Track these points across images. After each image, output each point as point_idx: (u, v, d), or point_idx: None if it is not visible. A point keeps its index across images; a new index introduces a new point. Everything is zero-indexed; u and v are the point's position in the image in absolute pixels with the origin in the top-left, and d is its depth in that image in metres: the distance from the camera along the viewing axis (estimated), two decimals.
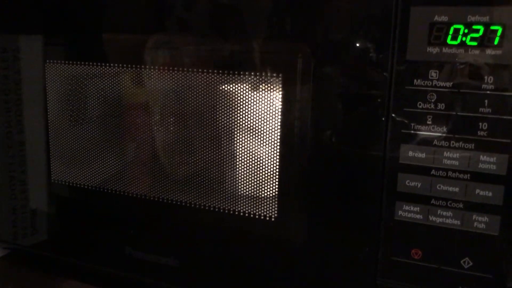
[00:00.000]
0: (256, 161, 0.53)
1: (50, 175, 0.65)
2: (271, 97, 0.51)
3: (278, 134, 0.51)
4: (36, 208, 0.70)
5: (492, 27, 0.40)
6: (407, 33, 0.43)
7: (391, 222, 0.46)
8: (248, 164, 0.53)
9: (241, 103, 0.52)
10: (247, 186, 0.54)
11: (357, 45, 0.45)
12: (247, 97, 0.52)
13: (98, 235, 0.64)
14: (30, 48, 0.65)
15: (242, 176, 0.54)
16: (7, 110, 0.68)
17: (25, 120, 0.68)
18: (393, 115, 0.45)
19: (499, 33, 0.40)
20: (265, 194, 0.53)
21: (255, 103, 0.52)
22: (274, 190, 0.52)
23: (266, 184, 0.53)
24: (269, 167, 0.52)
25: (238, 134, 0.53)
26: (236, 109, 0.53)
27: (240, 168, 0.54)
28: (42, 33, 0.63)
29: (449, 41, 0.42)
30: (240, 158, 0.54)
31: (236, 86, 0.52)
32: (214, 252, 0.56)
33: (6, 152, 0.69)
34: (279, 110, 0.50)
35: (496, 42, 0.40)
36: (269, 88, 0.50)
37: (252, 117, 0.52)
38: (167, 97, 0.56)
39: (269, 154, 0.52)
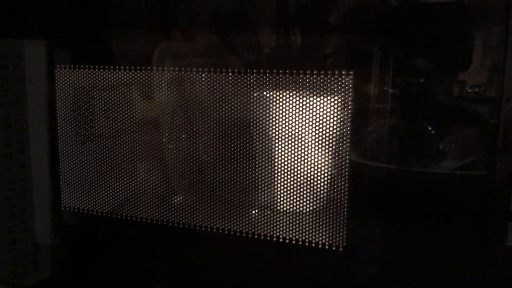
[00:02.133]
0: (320, 180, 0.44)
1: (59, 201, 0.55)
2: (338, 101, 0.42)
3: (347, 146, 0.42)
4: (40, 242, 0.60)
5: None
6: None
7: (500, 249, 0.37)
8: (309, 184, 0.44)
9: (302, 110, 0.43)
10: (306, 210, 0.44)
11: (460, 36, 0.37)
12: (307, 102, 0.43)
13: (119, 272, 0.53)
14: (35, 52, 0.55)
15: (300, 198, 0.45)
16: (7, 126, 0.58)
17: (29, 138, 0.58)
18: (505, 118, 0.36)
19: None
20: (330, 220, 0.43)
21: (318, 109, 0.43)
22: (342, 215, 0.43)
23: (331, 208, 0.43)
24: (336, 187, 0.43)
25: (294, 148, 0.44)
26: (294, 118, 0.44)
27: (299, 189, 0.44)
28: (49, 35, 0.54)
29: None
30: (299, 177, 0.44)
31: (293, 89, 0.43)
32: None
33: (5, 175, 0.59)
34: (349, 117, 0.42)
35: None
36: (334, 90, 0.42)
37: (313, 127, 0.43)
38: (207, 104, 0.47)
39: (335, 172, 0.43)
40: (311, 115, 0.43)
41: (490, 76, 0.37)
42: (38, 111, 0.57)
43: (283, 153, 0.44)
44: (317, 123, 0.43)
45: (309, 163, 0.44)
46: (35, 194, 0.59)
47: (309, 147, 0.43)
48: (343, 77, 0.41)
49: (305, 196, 0.44)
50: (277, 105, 0.44)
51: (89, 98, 0.53)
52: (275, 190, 0.45)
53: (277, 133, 0.44)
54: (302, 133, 0.44)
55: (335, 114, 0.42)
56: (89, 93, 0.52)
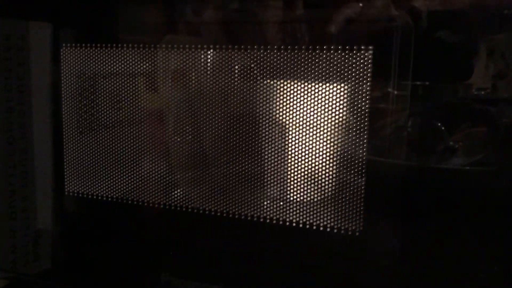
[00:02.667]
0: (336, 164, 0.42)
1: (63, 187, 0.53)
2: (355, 80, 0.40)
3: (365, 129, 0.40)
4: (41, 229, 0.58)
5: None
6: None
7: None
8: (325, 168, 0.42)
9: (316, 90, 0.42)
10: (321, 194, 0.43)
11: None
12: (323, 81, 0.41)
13: (124, 260, 0.51)
14: (40, 33, 0.54)
15: (316, 182, 0.43)
16: (9, 110, 0.57)
17: (32, 122, 0.56)
18: None
19: None
20: (347, 205, 0.42)
21: (333, 89, 0.41)
22: (359, 200, 0.41)
23: (348, 193, 0.42)
24: (353, 173, 0.41)
25: (308, 131, 0.42)
26: (310, 98, 0.42)
27: (314, 172, 0.43)
28: (55, 14, 0.52)
29: None
30: (315, 160, 0.43)
31: (308, 67, 0.42)
32: (279, 277, 0.45)
33: (6, 161, 0.57)
34: (367, 98, 0.40)
35: None
36: (351, 68, 0.40)
37: (330, 107, 0.41)
38: (216, 85, 0.46)
39: (353, 155, 0.41)
40: (327, 95, 0.41)
41: None
42: (42, 95, 0.56)
43: (298, 138, 0.43)
44: (334, 103, 0.41)
45: (325, 147, 0.42)
46: (37, 180, 0.57)
47: (324, 130, 0.42)
48: (362, 52, 0.39)
49: (322, 181, 0.43)
50: (291, 86, 0.42)
51: (94, 80, 0.51)
52: (292, 178, 0.44)
53: (294, 115, 0.43)
54: (318, 115, 0.42)
55: (353, 94, 0.41)
56: (95, 74, 0.51)
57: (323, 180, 0.42)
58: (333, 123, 0.41)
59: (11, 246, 0.59)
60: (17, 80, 0.56)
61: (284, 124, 0.43)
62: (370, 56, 0.39)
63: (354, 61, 0.40)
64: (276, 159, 0.44)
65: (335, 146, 0.42)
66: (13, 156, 0.57)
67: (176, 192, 0.48)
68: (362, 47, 0.39)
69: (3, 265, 0.59)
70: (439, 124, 0.39)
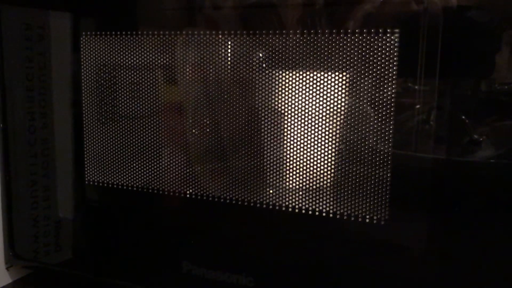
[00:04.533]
0: (361, 153, 0.41)
1: (83, 176, 0.53)
2: (379, 68, 0.39)
3: (390, 120, 0.39)
4: (63, 218, 0.58)
5: None
6: None
7: None
8: (349, 157, 0.41)
9: (340, 75, 0.41)
10: (347, 183, 0.42)
11: None
12: (345, 66, 0.40)
13: (145, 248, 0.51)
14: (61, 22, 0.54)
15: (340, 170, 0.42)
16: (30, 99, 0.57)
17: (53, 112, 0.56)
18: None
19: None
20: (373, 194, 0.41)
21: (357, 73, 0.40)
22: (385, 189, 0.40)
23: (374, 182, 0.41)
24: (379, 162, 0.40)
25: (331, 122, 0.41)
26: (334, 84, 0.41)
27: (338, 161, 0.42)
28: (76, 2, 0.52)
29: None
30: (338, 148, 0.42)
31: (331, 51, 0.41)
32: (302, 266, 0.44)
33: (27, 151, 0.57)
34: (393, 82, 0.39)
35: None
36: (376, 53, 0.39)
37: (354, 92, 0.40)
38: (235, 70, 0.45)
39: (379, 144, 0.40)
40: (350, 81, 0.40)
41: None
42: (62, 84, 0.56)
43: (322, 128, 0.42)
44: (358, 88, 0.40)
45: (349, 134, 0.41)
46: (58, 169, 0.57)
47: (348, 120, 0.41)
48: (388, 35, 0.38)
49: (347, 169, 0.42)
50: (313, 75, 0.41)
51: (114, 69, 0.51)
52: (317, 168, 0.43)
53: (317, 106, 0.42)
54: (342, 105, 0.41)
55: (377, 79, 0.39)
56: (115, 64, 0.50)
57: (348, 170, 0.41)
58: (357, 113, 0.40)
59: (33, 235, 0.59)
60: (38, 69, 0.56)
61: (307, 115, 0.42)
62: (396, 40, 0.38)
63: (379, 45, 0.39)
64: (299, 149, 0.43)
65: (360, 137, 0.41)
66: (34, 145, 0.58)
67: (196, 180, 0.47)
68: (388, 30, 0.38)
69: (26, 254, 0.59)
70: (463, 117, 0.38)
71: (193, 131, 0.47)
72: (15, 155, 0.57)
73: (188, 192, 0.48)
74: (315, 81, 0.41)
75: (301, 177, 0.43)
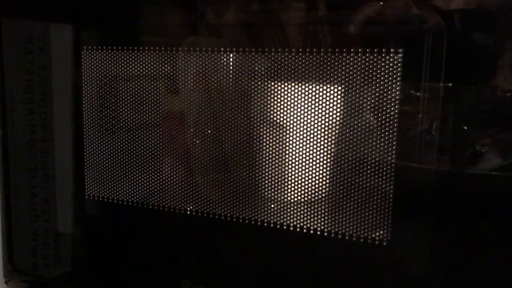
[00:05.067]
0: (364, 170, 0.40)
1: (83, 190, 0.53)
2: (382, 85, 0.39)
3: (393, 136, 0.39)
4: (62, 232, 0.58)
5: None
6: None
7: None
8: (352, 175, 0.41)
9: (342, 92, 0.40)
10: (348, 203, 0.41)
11: None
12: (349, 84, 0.40)
13: (144, 264, 0.51)
14: (62, 35, 0.53)
15: (342, 188, 0.41)
16: (30, 112, 0.56)
17: (53, 125, 0.56)
18: None
19: None
20: (375, 214, 0.40)
21: (360, 92, 0.40)
22: (386, 208, 0.40)
23: (375, 201, 0.40)
24: (381, 178, 0.40)
25: (333, 137, 0.41)
26: (335, 100, 0.41)
27: (340, 178, 0.41)
28: (76, 16, 0.52)
29: None
30: (339, 167, 0.41)
31: (333, 71, 0.40)
32: (304, 286, 0.43)
33: (27, 163, 0.57)
34: (396, 103, 0.38)
35: None
36: (380, 73, 0.38)
37: (357, 111, 0.40)
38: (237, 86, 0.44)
39: (381, 160, 0.40)
40: (353, 98, 0.40)
41: None
42: (63, 97, 0.55)
43: (322, 143, 0.41)
44: (361, 107, 0.40)
45: (352, 152, 0.41)
46: (58, 183, 0.57)
47: (350, 136, 0.40)
48: (392, 55, 0.38)
49: (348, 187, 0.41)
50: (316, 90, 0.41)
51: (115, 82, 0.50)
52: (317, 185, 0.42)
53: (318, 120, 0.41)
54: (343, 120, 0.41)
55: (380, 98, 0.39)
56: (116, 77, 0.50)
57: (350, 188, 0.41)
58: (359, 129, 0.40)
59: (32, 248, 0.59)
60: (38, 82, 0.56)
61: (308, 129, 0.42)
62: (400, 60, 0.38)
63: (382, 64, 0.38)
64: (300, 165, 0.42)
65: (363, 152, 0.40)
66: (34, 158, 0.57)
67: (197, 197, 0.47)
68: (392, 50, 0.38)
69: (24, 268, 0.59)
70: (465, 128, 0.38)
71: (195, 140, 0.47)
72: (14, 168, 0.57)
73: (188, 208, 0.47)
74: (317, 97, 0.41)
75: (301, 196, 0.43)
